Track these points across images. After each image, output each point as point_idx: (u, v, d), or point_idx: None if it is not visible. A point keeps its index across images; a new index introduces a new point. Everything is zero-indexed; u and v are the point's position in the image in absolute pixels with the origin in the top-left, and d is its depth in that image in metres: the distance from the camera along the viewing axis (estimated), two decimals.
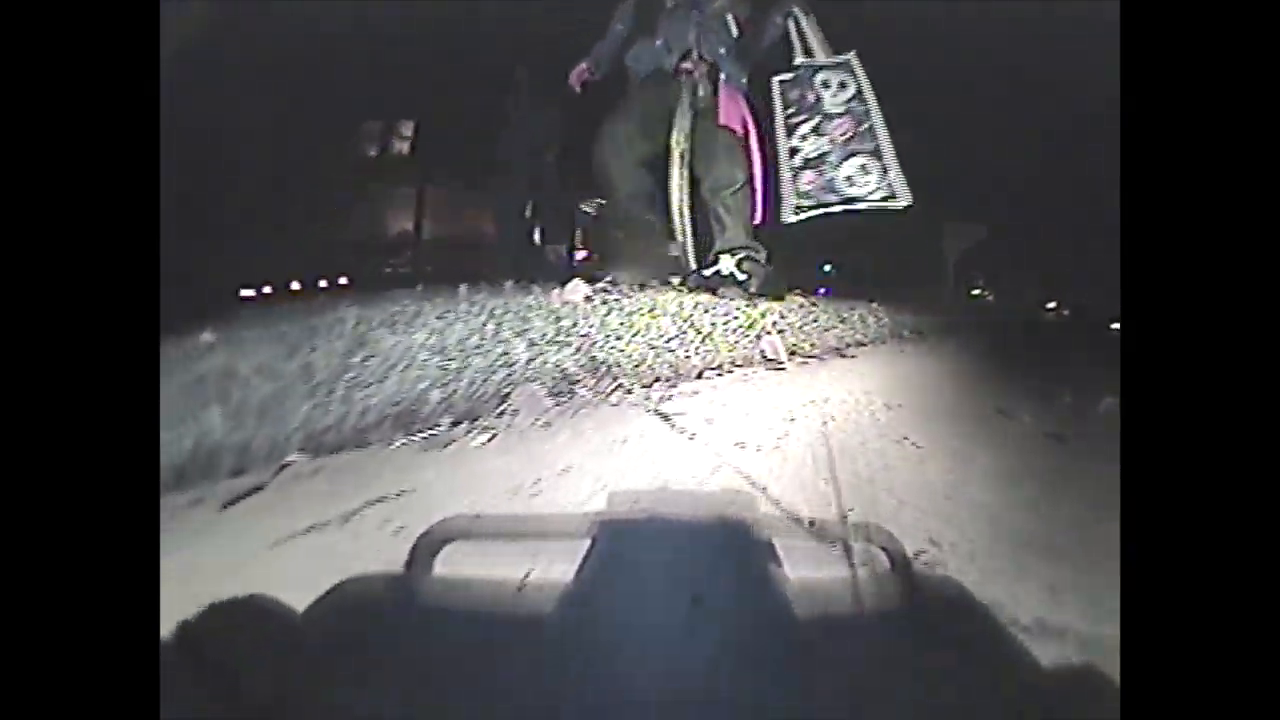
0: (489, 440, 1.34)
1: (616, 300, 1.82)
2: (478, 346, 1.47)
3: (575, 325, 1.62)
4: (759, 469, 1.46)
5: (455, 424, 1.35)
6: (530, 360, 1.44)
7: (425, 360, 1.41)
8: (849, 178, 1.95)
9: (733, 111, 2.05)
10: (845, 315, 2.24)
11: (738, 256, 2.08)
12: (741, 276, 2.02)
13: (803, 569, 1.21)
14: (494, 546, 1.15)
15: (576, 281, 1.96)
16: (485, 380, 1.37)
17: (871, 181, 1.91)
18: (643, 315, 1.72)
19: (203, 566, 1.03)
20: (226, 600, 0.93)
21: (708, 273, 2.10)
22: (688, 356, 1.64)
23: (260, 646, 0.92)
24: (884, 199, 1.90)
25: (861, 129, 1.96)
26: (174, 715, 0.65)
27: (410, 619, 0.99)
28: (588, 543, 1.17)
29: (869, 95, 1.97)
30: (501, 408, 1.38)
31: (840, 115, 1.99)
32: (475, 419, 1.36)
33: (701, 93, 2.06)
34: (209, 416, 1.22)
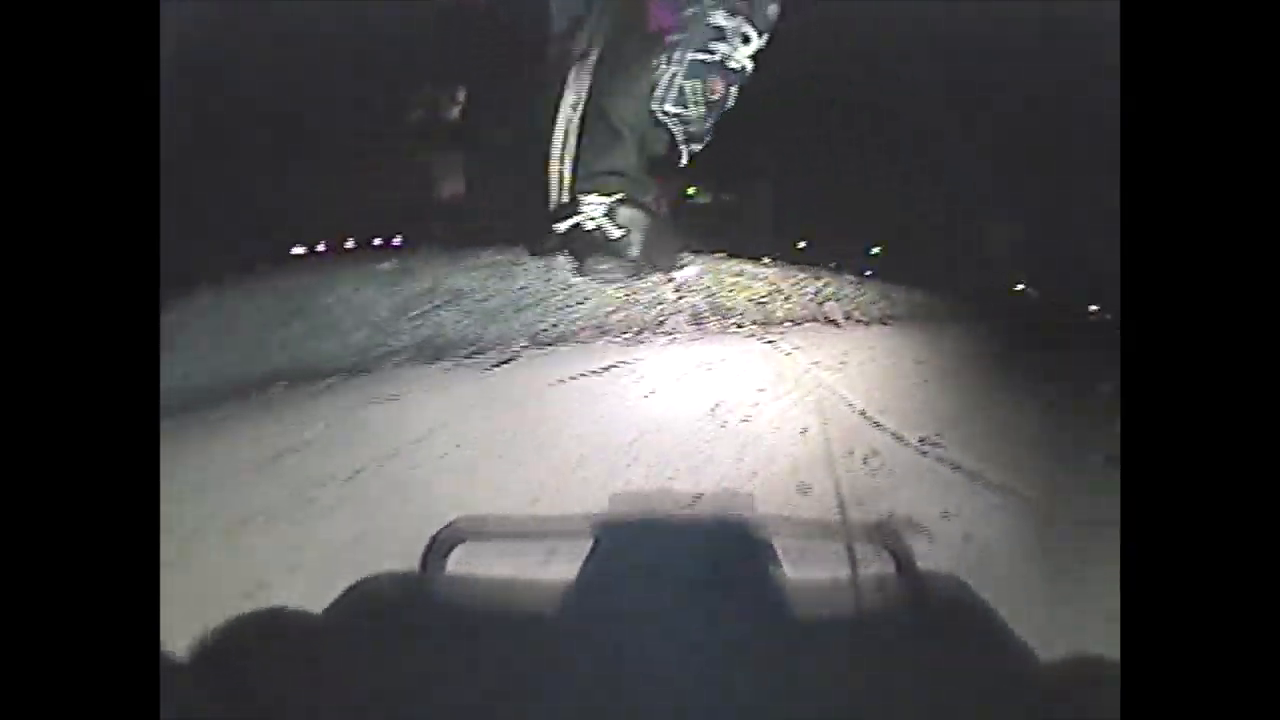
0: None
1: None
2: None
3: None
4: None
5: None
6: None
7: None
8: (721, 33, 1.36)
9: (663, 10, 1.42)
10: (891, 294, 2.02)
11: (614, 197, 1.37)
12: (615, 229, 1.35)
13: (806, 569, 1.21)
14: (504, 546, 1.17)
15: None
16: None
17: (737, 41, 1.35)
18: None
19: None
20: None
21: (568, 226, 1.38)
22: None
23: (275, 649, 0.94)
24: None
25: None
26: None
27: (425, 616, 1.01)
28: (592, 543, 1.18)
29: None
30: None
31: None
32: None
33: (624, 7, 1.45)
34: None
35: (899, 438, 1.50)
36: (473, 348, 1.38)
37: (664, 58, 1.37)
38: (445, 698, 0.88)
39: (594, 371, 1.39)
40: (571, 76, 1.42)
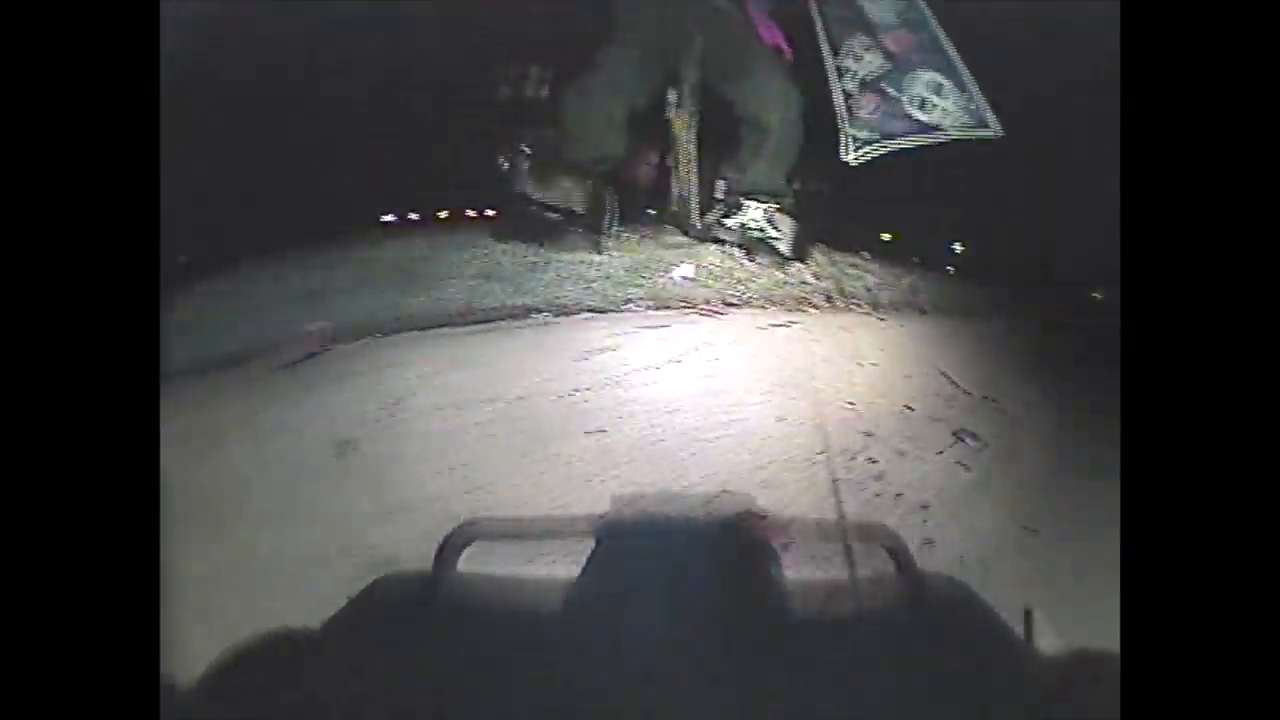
0: None
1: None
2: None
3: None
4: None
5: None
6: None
7: None
8: (920, 100, 1.49)
9: (774, 30, 1.57)
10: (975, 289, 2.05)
11: (770, 204, 1.56)
12: (775, 231, 1.55)
13: (804, 569, 1.21)
14: (511, 547, 1.19)
15: None
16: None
17: (951, 105, 1.45)
18: None
19: None
20: None
21: (730, 222, 1.56)
22: None
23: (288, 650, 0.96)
24: (968, 127, 1.44)
25: (923, 43, 1.47)
26: None
27: (436, 613, 1.03)
28: (593, 542, 1.20)
29: (921, 5, 1.50)
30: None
31: (895, 27, 1.51)
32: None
33: (723, 6, 1.54)
34: None
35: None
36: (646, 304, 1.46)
37: (836, 80, 1.52)
38: (455, 690, 0.89)
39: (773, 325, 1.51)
40: (674, 78, 1.54)
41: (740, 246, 1.58)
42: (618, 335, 1.25)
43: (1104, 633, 0.93)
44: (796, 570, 1.18)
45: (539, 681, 0.93)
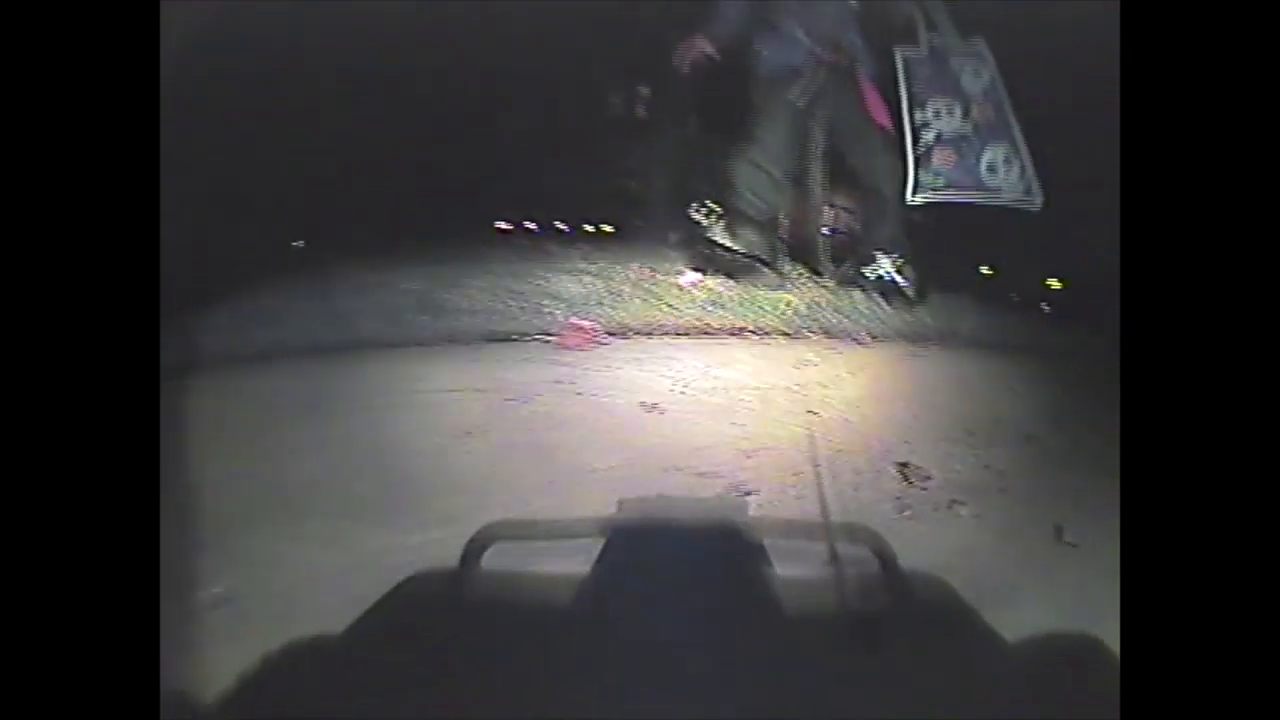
0: None
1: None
2: None
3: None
4: None
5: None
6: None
7: None
8: (990, 166, 1.81)
9: (881, 107, 1.91)
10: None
11: (897, 256, 1.93)
12: (902, 279, 1.90)
13: (793, 569, 1.26)
14: (531, 546, 1.30)
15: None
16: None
17: (1013, 176, 1.79)
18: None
19: None
20: None
21: (867, 271, 1.94)
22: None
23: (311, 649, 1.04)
24: (1021, 196, 1.78)
25: (1000, 118, 1.81)
26: None
27: (462, 608, 1.15)
28: (602, 542, 1.30)
29: (1001, 85, 1.83)
30: None
31: (981, 100, 1.84)
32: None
33: (844, 87, 1.91)
34: None
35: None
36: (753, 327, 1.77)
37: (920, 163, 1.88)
38: (477, 680, 0.96)
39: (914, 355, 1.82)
40: (814, 169, 1.97)
41: (879, 292, 1.90)
42: (814, 352, 1.61)
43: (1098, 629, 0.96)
44: (785, 569, 1.24)
45: (548, 669, 0.99)
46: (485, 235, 2.46)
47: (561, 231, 2.56)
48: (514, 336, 1.44)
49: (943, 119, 1.86)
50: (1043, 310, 2.14)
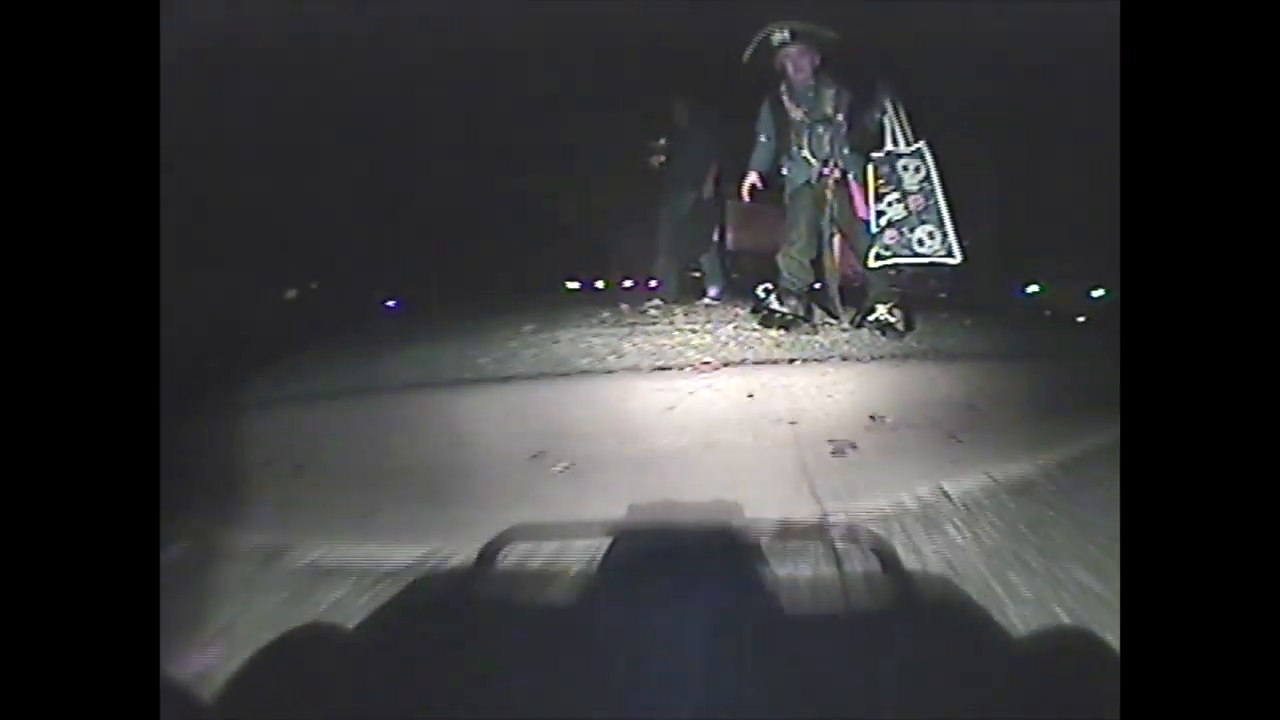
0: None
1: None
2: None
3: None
4: None
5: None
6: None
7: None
8: (921, 240, 2.73)
9: (862, 204, 2.81)
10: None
11: (889, 303, 2.81)
12: (894, 319, 2.79)
13: (795, 570, 1.31)
14: (545, 547, 1.45)
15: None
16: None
17: (936, 244, 2.71)
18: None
19: None
20: None
21: (872, 318, 2.83)
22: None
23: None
24: (944, 257, 2.72)
25: (929, 204, 2.71)
26: None
27: (480, 602, 1.30)
28: (609, 542, 1.44)
29: (935, 177, 2.71)
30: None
31: (915, 192, 2.73)
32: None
33: (837, 194, 2.86)
34: None
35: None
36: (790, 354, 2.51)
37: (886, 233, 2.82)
38: (493, 666, 1.04)
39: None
40: (831, 252, 2.97)
41: (879, 329, 2.80)
42: (833, 369, 2.32)
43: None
44: (786, 569, 1.34)
45: (555, 661, 1.05)
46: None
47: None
48: (671, 367, 2.26)
49: (890, 209, 2.75)
50: (969, 328, 3.23)
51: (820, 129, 2.84)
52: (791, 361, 2.32)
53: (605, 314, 3.15)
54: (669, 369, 2.22)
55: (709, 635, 1.11)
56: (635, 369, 2.24)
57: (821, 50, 2.85)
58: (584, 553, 1.42)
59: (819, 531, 1.52)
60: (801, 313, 2.91)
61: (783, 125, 2.92)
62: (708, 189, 3.75)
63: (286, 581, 1.44)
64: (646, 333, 2.71)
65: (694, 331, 2.71)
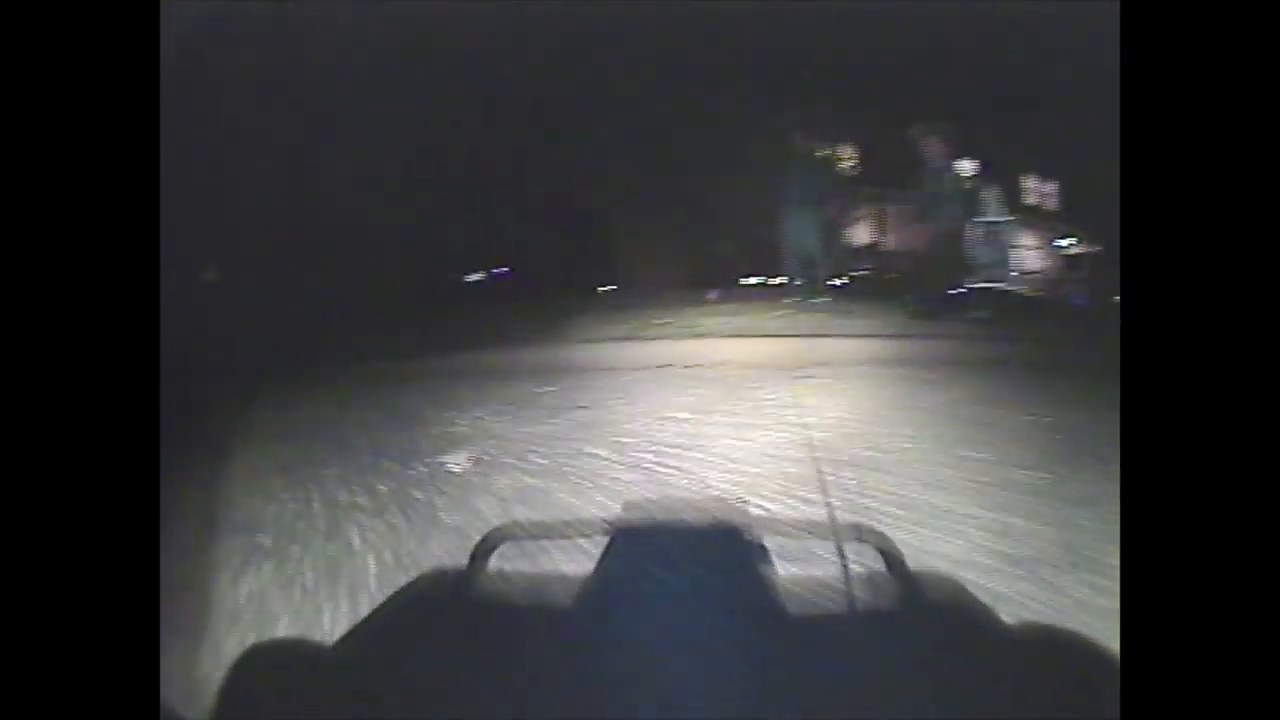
0: None
1: None
2: None
3: None
4: None
5: None
6: None
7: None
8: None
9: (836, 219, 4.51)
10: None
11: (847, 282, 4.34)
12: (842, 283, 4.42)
13: (798, 569, 1.30)
14: (537, 546, 1.43)
15: None
16: None
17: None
18: None
19: None
20: None
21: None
22: None
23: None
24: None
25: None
26: None
27: (471, 603, 1.27)
28: (607, 541, 1.42)
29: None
30: None
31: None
32: None
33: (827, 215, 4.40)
34: None
35: None
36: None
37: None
38: (486, 675, 1.02)
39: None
40: None
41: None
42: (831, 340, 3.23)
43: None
44: (791, 569, 1.32)
45: (552, 661, 1.05)
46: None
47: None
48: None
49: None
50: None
51: None
52: (816, 336, 3.23)
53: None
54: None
55: (708, 635, 1.11)
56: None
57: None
58: (582, 551, 1.40)
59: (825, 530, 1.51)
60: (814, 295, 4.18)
61: None
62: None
63: (286, 580, 1.43)
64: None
65: (774, 316, 3.69)
